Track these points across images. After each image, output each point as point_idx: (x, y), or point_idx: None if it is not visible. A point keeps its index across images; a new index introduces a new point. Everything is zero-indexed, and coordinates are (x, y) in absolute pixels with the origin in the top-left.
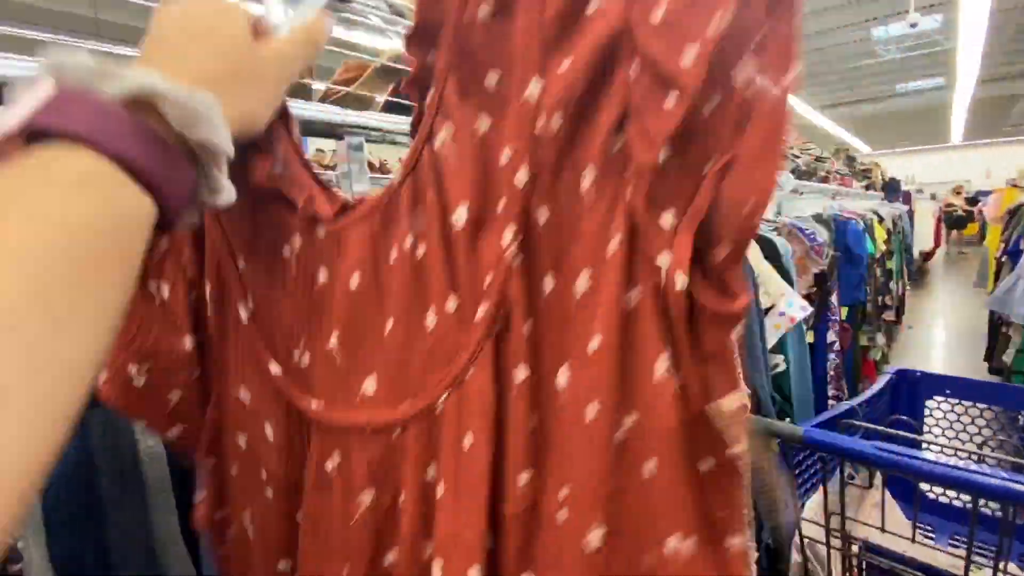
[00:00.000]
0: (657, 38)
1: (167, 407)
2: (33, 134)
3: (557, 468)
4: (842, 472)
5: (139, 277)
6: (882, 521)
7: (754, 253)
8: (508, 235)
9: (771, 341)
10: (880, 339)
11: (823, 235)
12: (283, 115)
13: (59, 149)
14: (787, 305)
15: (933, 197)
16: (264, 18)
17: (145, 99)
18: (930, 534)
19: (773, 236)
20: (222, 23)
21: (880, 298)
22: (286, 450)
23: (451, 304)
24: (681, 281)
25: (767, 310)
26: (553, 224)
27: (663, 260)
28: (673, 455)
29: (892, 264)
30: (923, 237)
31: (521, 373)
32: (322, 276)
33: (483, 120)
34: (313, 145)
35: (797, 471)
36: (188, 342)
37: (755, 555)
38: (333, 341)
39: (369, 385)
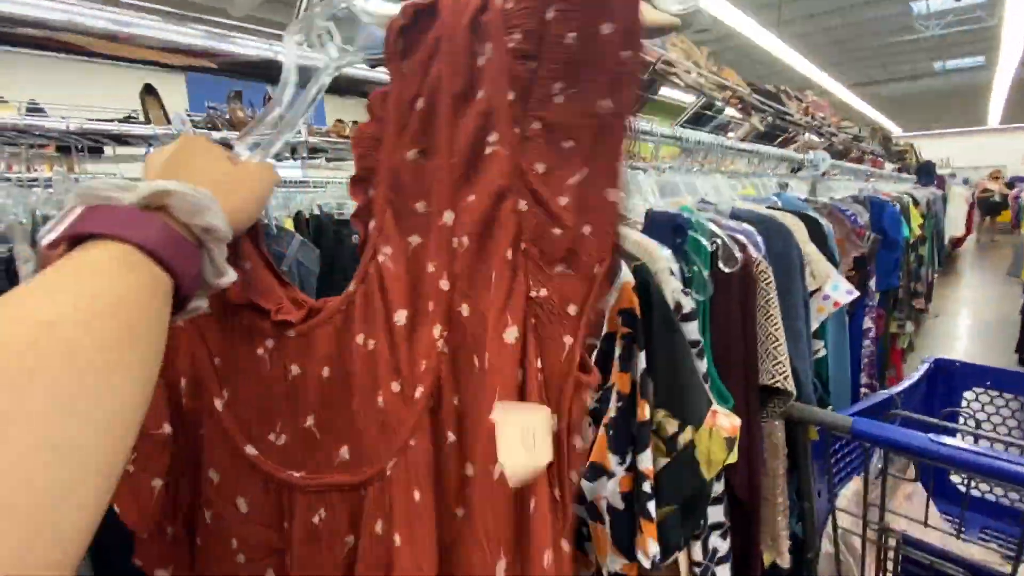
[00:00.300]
0: (542, 184)
1: (152, 495)
2: (72, 241)
3: (479, 509)
4: (885, 463)
5: None
6: (925, 515)
7: (800, 234)
8: (437, 330)
9: (813, 325)
10: (909, 327)
11: (864, 217)
12: (251, 231)
13: (94, 246)
14: (832, 288)
15: (966, 182)
16: (236, 154)
17: (157, 200)
18: (960, 527)
19: (819, 217)
20: (204, 150)
21: (912, 284)
22: (260, 519)
23: (395, 386)
24: (577, 356)
25: (812, 293)
26: (472, 316)
27: (567, 340)
28: (544, 490)
29: (924, 250)
30: (955, 223)
31: (452, 437)
32: (294, 370)
33: (414, 239)
34: (332, 116)
35: (832, 460)
36: (167, 428)
37: (787, 543)
38: (310, 421)
39: (344, 452)
